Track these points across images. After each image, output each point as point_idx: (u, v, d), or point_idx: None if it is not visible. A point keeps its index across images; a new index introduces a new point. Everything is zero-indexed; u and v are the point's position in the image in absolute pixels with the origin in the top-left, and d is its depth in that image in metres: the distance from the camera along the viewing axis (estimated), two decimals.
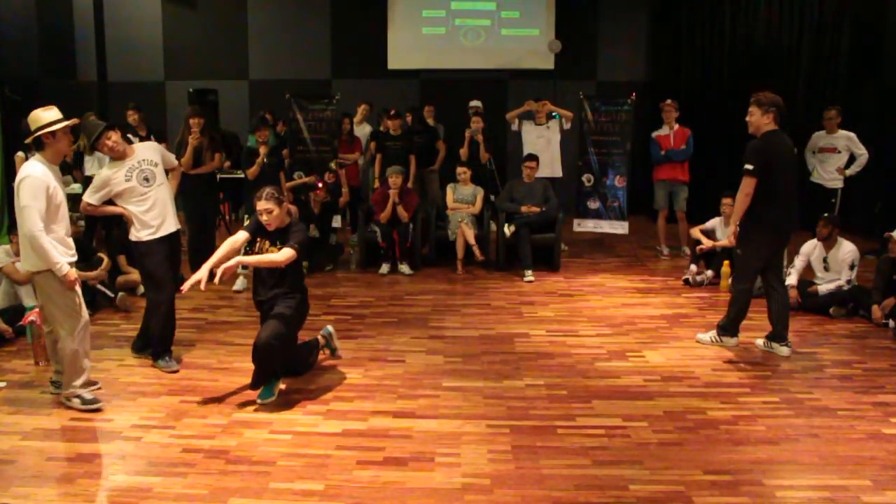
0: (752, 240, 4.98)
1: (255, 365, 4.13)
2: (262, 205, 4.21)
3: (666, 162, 8.03)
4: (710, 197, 7.76)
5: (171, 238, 4.73)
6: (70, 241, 4.08)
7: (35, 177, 3.82)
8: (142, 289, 5.93)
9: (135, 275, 6.12)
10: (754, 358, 4.97)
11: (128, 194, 4.52)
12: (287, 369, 4.47)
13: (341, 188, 7.72)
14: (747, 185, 4.83)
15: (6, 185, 7.95)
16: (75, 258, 4.08)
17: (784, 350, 5.01)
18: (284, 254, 4.11)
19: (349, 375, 4.61)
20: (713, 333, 5.25)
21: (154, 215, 4.58)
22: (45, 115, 3.95)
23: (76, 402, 4.06)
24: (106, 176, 4.51)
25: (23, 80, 9.27)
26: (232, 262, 4.08)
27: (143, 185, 4.53)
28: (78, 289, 4.04)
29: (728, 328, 5.20)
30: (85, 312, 4.10)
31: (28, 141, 3.98)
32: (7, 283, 5.55)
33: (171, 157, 4.94)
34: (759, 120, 4.90)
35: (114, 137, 4.46)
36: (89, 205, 4.55)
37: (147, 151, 4.67)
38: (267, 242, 4.29)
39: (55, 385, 4.28)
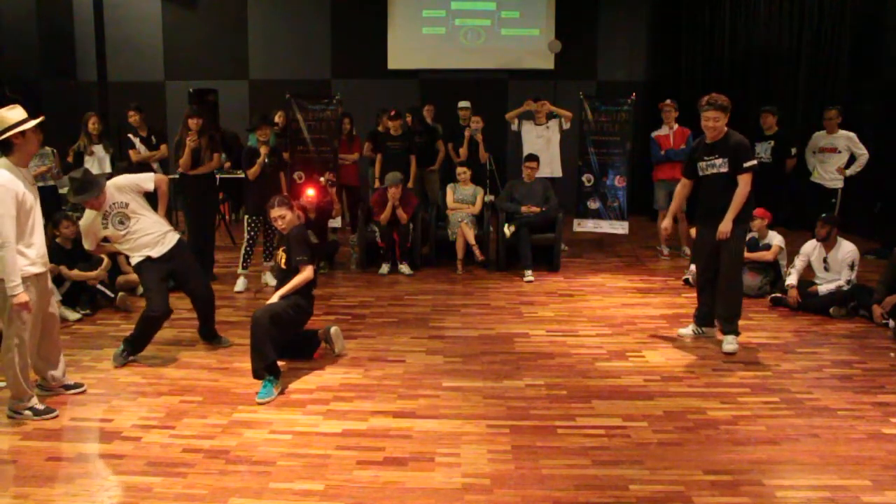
0: (738, 234, 5.03)
1: (251, 343, 4.30)
2: (275, 212, 4.58)
3: (666, 162, 8.03)
4: None
5: (174, 252, 4.82)
6: (41, 248, 3.87)
7: (1, 185, 3.58)
8: (141, 289, 5.96)
9: (135, 275, 6.10)
10: (754, 358, 4.97)
11: (112, 238, 4.76)
12: (284, 350, 4.64)
13: (333, 204, 7.66)
14: (748, 183, 4.90)
15: None
16: (45, 268, 3.92)
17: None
18: (305, 273, 4.55)
19: (349, 375, 4.61)
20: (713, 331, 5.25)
21: (141, 245, 4.75)
22: (11, 115, 3.67)
23: (28, 413, 3.91)
24: (85, 224, 4.77)
25: (23, 80, 9.26)
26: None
27: (120, 229, 4.71)
28: (26, 314, 3.78)
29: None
30: (27, 334, 3.83)
31: None
32: None
33: (143, 182, 4.82)
34: (723, 123, 4.96)
35: (100, 199, 4.60)
36: (90, 249, 4.95)
37: (115, 194, 4.69)
38: (279, 249, 4.70)
39: (40, 387, 4.23)
